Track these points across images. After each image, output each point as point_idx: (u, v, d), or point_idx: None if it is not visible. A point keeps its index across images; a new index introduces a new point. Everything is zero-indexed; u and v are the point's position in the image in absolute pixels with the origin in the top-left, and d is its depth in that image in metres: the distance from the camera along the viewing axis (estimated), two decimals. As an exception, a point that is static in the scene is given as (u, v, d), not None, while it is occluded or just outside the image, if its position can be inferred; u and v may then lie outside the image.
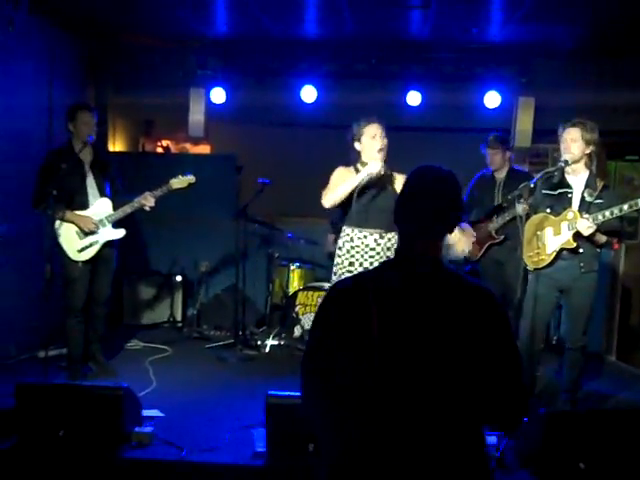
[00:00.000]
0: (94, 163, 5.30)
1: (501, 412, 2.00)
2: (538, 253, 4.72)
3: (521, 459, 3.87)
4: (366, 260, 4.48)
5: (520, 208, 4.77)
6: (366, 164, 4.52)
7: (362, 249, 4.51)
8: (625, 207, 4.35)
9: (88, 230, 5.17)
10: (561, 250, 4.64)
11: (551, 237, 4.69)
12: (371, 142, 4.51)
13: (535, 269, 4.76)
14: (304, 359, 2.16)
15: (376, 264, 4.31)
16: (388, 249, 4.49)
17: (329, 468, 2.04)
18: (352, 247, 4.53)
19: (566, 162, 4.57)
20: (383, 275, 2.09)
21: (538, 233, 4.76)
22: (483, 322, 1.96)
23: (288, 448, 3.81)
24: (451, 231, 2.13)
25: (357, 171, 4.56)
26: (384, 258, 4.42)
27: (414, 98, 7.43)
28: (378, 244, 4.49)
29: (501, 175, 5.97)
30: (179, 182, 5.39)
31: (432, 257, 2.08)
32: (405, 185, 2.16)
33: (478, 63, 7.32)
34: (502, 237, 5.83)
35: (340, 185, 4.47)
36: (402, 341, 1.95)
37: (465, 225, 4.88)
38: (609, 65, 7.27)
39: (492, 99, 7.40)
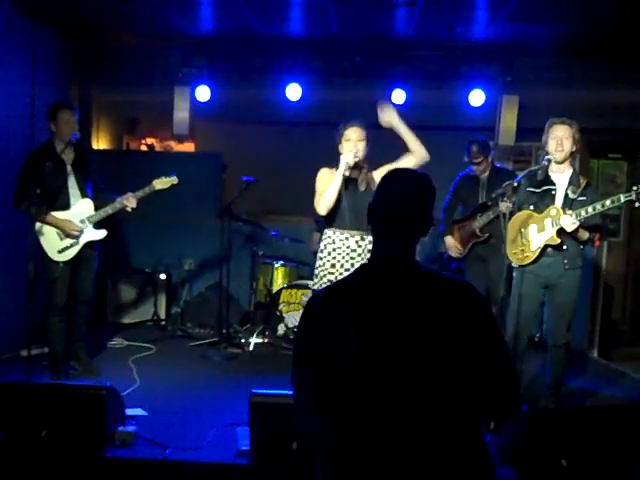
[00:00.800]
0: (76, 162, 5.25)
1: (497, 401, 2.00)
2: (523, 250, 4.76)
3: (504, 455, 3.88)
4: (347, 262, 4.45)
5: (504, 206, 4.79)
6: None
7: (344, 251, 4.47)
8: (607, 202, 4.38)
9: (72, 234, 5.15)
10: (545, 247, 4.68)
11: (535, 234, 4.73)
12: (345, 145, 4.47)
13: (520, 266, 4.79)
14: (293, 373, 2.15)
15: (357, 265, 4.24)
16: (369, 251, 4.35)
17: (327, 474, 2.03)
18: (334, 249, 4.49)
19: (549, 160, 4.63)
20: (360, 281, 2.08)
21: (522, 230, 4.80)
22: (466, 315, 1.96)
23: (272, 447, 3.81)
24: (425, 234, 2.12)
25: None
26: (365, 260, 4.35)
27: (399, 96, 7.44)
28: (359, 246, 4.46)
29: (484, 174, 5.99)
30: (162, 183, 5.40)
31: (407, 258, 2.08)
32: (378, 188, 2.16)
33: (463, 62, 7.34)
34: (487, 235, 5.85)
35: (326, 189, 4.41)
36: (385, 347, 1.94)
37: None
38: (593, 64, 7.32)
39: (476, 97, 7.43)
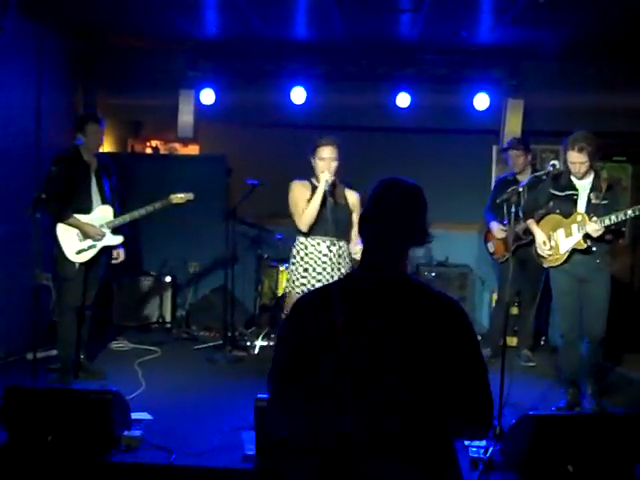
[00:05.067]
0: (98, 169, 5.41)
1: (467, 422, 2.00)
2: (551, 254, 4.94)
3: (509, 461, 3.88)
4: (319, 265, 4.66)
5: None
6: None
7: (315, 255, 4.68)
8: (629, 212, 4.53)
9: (95, 238, 5.26)
10: (573, 250, 4.83)
11: (563, 238, 4.89)
12: (319, 163, 4.63)
13: (551, 267, 4.97)
14: (271, 372, 2.14)
15: (328, 269, 4.63)
16: (339, 256, 4.67)
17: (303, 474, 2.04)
18: (306, 254, 4.71)
19: (554, 166, 4.75)
20: (348, 288, 2.09)
21: (551, 233, 4.96)
22: (447, 329, 1.97)
23: (278, 451, 3.81)
24: (421, 244, 2.13)
25: (312, 185, 4.71)
26: (335, 264, 4.64)
27: (403, 100, 7.44)
28: (330, 251, 4.65)
29: (524, 178, 5.89)
30: (178, 198, 5.60)
31: (397, 269, 2.09)
32: (370, 198, 2.16)
33: (467, 65, 7.35)
34: (530, 237, 5.77)
35: (307, 207, 4.62)
36: (366, 353, 1.95)
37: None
38: (597, 68, 7.31)
39: (481, 101, 7.43)
